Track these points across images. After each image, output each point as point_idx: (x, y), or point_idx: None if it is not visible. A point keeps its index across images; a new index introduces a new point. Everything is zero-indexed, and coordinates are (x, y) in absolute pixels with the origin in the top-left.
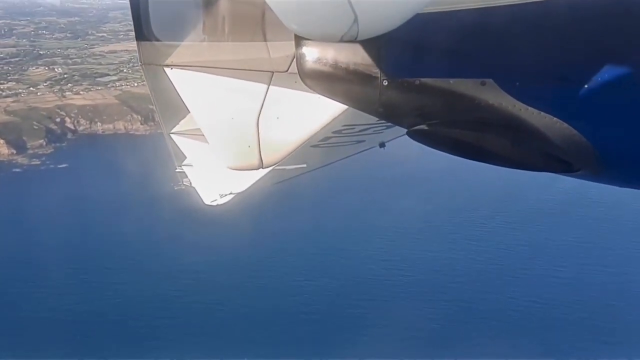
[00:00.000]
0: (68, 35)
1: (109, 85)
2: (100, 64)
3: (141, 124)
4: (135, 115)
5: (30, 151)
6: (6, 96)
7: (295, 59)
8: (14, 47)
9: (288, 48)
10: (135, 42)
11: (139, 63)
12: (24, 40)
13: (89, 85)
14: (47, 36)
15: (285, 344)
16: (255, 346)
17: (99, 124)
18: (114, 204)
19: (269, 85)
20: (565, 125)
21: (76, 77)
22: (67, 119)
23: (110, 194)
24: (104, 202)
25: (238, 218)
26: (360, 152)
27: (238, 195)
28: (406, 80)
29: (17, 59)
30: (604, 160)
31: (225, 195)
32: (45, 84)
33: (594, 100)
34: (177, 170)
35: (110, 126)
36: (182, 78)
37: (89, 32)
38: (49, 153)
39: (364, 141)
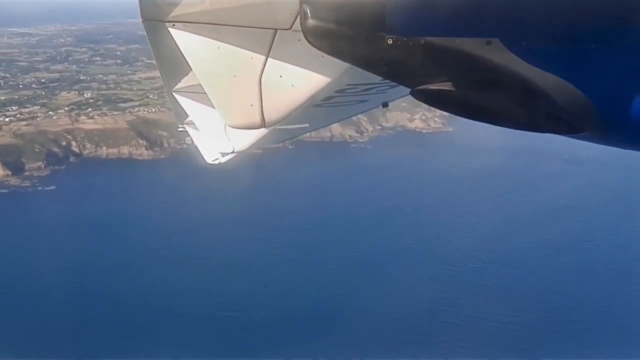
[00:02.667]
0: (118, 62)
1: (127, 111)
2: (131, 89)
3: (146, 149)
4: (140, 141)
5: (27, 173)
6: (22, 119)
7: (299, 17)
8: (60, 72)
9: (292, 5)
10: None
11: (140, 19)
12: (74, 66)
13: (108, 110)
14: (97, 62)
15: None
16: None
17: (104, 148)
18: (86, 225)
19: (272, 43)
20: (570, 85)
21: (99, 103)
22: (74, 143)
23: (86, 216)
24: (75, 224)
25: None
26: (363, 112)
27: (239, 155)
28: (411, 38)
29: (55, 84)
30: (607, 122)
31: (227, 154)
32: (66, 109)
33: (599, 61)
34: (179, 129)
35: (115, 150)
36: (184, 35)
37: (140, 59)
38: (44, 175)
39: (367, 101)
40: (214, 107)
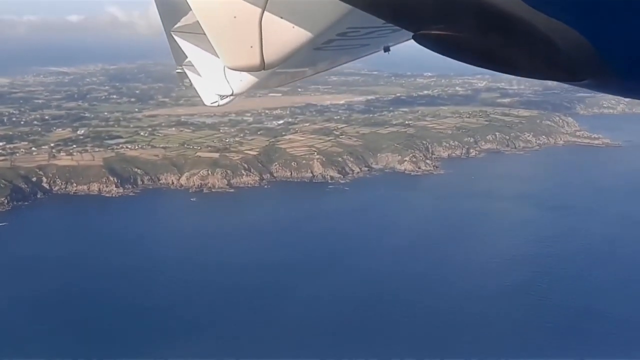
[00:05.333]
0: (132, 100)
1: (109, 148)
2: (128, 127)
3: (115, 186)
4: (111, 178)
5: None
6: (1, 155)
7: None
8: (69, 109)
9: None
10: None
11: None
12: (86, 103)
13: (92, 146)
14: (112, 100)
15: None
16: None
17: (74, 184)
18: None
19: None
20: (574, 32)
21: (88, 139)
22: (44, 179)
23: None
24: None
25: None
26: (365, 55)
27: (238, 97)
28: None
29: (56, 120)
30: (610, 69)
31: (226, 96)
32: (52, 145)
33: (605, 7)
34: (177, 70)
35: (85, 187)
36: None
37: (155, 97)
38: (3, 211)
39: (368, 45)
40: (213, 49)
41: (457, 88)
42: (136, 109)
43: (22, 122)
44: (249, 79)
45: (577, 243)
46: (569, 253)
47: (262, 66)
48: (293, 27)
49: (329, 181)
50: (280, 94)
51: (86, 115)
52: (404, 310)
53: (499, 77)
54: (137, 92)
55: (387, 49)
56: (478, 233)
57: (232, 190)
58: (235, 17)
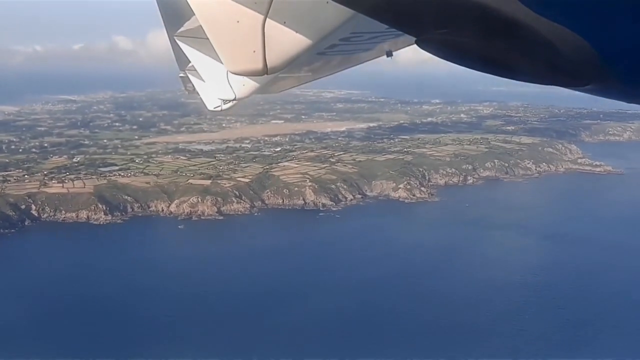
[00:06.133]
0: (134, 127)
1: (103, 175)
2: (125, 154)
3: (104, 214)
4: (100, 205)
5: None
6: None
7: None
8: (69, 137)
9: None
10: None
11: None
12: (88, 131)
13: (85, 174)
14: (114, 127)
15: None
16: None
17: (63, 212)
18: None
19: None
20: (578, 37)
21: (82, 167)
22: (33, 207)
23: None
24: None
25: None
26: (367, 60)
27: (240, 102)
28: None
29: (54, 148)
30: (613, 74)
31: (228, 101)
32: (45, 172)
33: (608, 12)
34: (180, 75)
35: (73, 215)
36: None
37: (157, 125)
38: None
39: (371, 50)
40: (216, 53)
41: (461, 115)
42: (136, 137)
43: (20, 150)
44: (251, 84)
45: (564, 272)
46: (555, 282)
47: (265, 71)
48: (296, 32)
49: (321, 208)
50: (282, 121)
51: (85, 142)
52: (385, 339)
53: (505, 104)
54: (141, 119)
55: (389, 54)
56: (463, 261)
57: (221, 218)
58: (238, 21)
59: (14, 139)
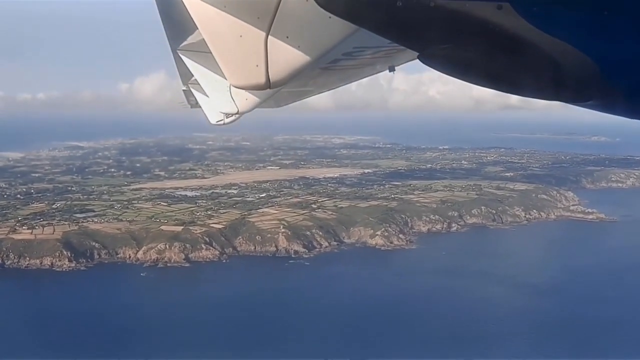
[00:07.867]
0: (127, 173)
1: (76, 221)
2: (107, 200)
3: (69, 260)
4: (65, 252)
5: None
6: None
7: None
8: (59, 183)
9: None
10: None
11: None
12: (80, 177)
13: (58, 220)
14: (107, 174)
15: None
16: None
17: (27, 258)
18: None
19: (279, 3)
20: (579, 53)
21: (58, 213)
22: None
23: None
24: None
25: None
26: (369, 75)
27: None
28: (421, 1)
29: (40, 194)
30: (615, 91)
31: (231, 115)
32: (19, 219)
33: (610, 29)
34: (183, 88)
35: (37, 261)
36: None
37: (151, 171)
38: None
39: (373, 65)
40: (219, 67)
41: (462, 162)
42: (125, 182)
43: (5, 196)
44: (254, 98)
45: (531, 324)
46: (519, 333)
47: (268, 85)
48: (299, 47)
49: (292, 255)
50: (278, 167)
51: (72, 189)
52: None
53: (512, 150)
54: (138, 165)
55: (392, 69)
56: (428, 310)
57: (187, 265)
58: (241, 36)
59: (4, 185)
